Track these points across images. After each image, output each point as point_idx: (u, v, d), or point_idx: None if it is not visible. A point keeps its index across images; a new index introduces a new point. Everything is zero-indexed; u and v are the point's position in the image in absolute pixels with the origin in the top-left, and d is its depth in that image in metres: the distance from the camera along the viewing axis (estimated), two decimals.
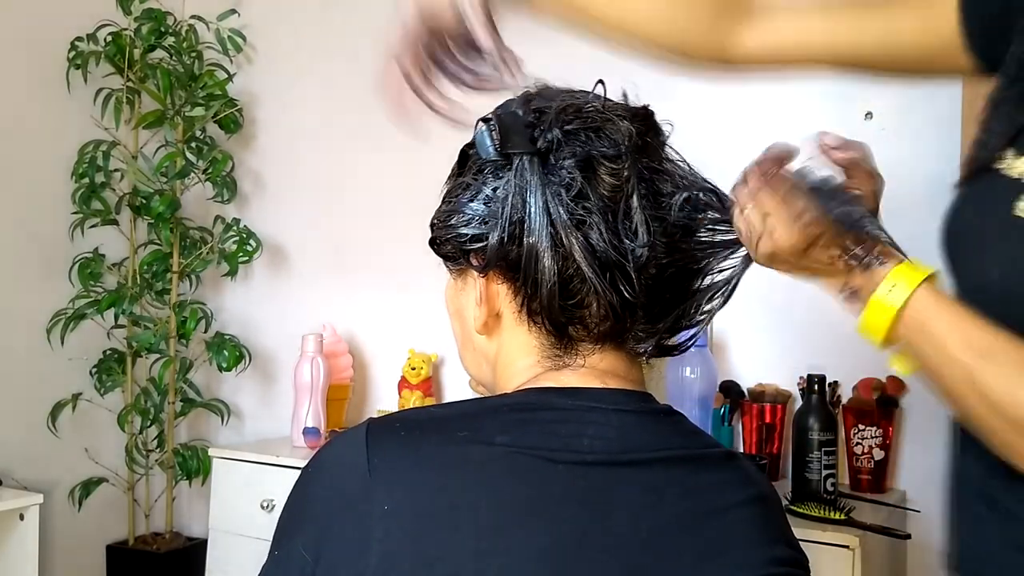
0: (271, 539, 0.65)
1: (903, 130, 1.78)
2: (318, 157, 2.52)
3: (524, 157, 0.65)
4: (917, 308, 0.66)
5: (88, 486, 2.39)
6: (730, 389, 1.85)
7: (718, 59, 0.86)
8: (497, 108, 0.69)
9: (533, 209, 0.64)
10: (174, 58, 2.44)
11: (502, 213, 0.66)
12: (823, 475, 1.60)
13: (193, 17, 2.52)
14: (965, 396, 0.65)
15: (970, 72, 0.79)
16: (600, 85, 0.71)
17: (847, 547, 1.40)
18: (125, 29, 2.40)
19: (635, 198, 0.65)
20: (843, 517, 1.49)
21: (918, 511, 1.67)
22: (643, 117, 0.70)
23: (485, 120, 0.68)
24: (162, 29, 2.42)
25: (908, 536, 1.51)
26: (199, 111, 2.38)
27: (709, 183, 0.71)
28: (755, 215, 0.68)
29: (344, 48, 2.48)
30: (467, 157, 0.71)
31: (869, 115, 1.81)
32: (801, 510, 1.50)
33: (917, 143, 1.76)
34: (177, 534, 2.54)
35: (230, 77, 2.51)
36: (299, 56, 2.55)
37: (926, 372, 0.68)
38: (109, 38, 2.39)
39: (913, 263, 0.68)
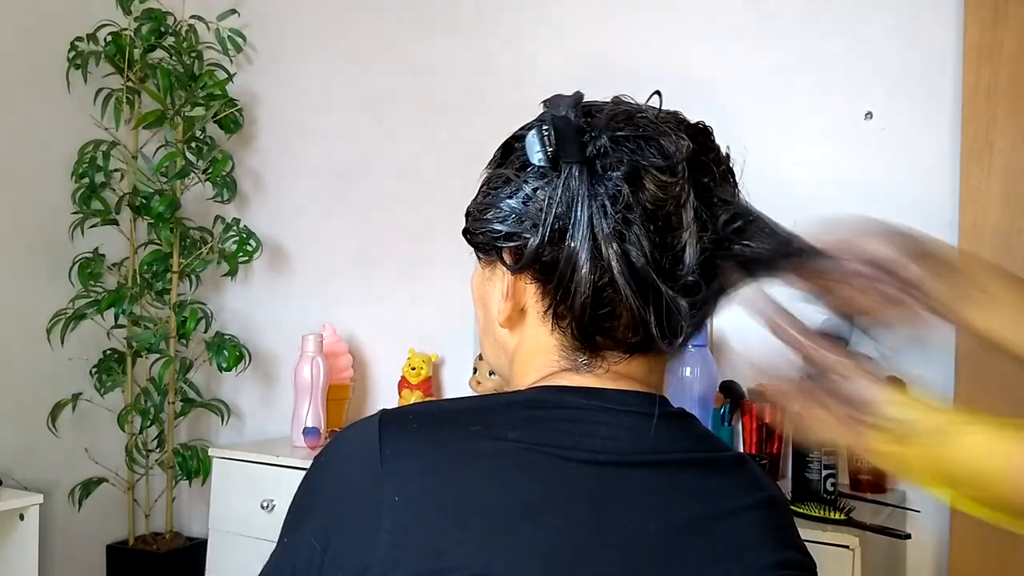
0: (280, 528, 0.65)
1: (903, 130, 1.78)
2: (318, 157, 2.52)
3: (573, 166, 0.63)
4: None
5: (88, 486, 2.39)
6: (730, 389, 1.85)
7: None
8: (547, 103, 0.66)
9: (577, 219, 0.63)
10: (174, 58, 2.44)
11: (544, 218, 0.64)
12: (823, 475, 1.60)
13: (193, 17, 2.52)
14: None
15: None
16: (656, 96, 0.69)
17: (847, 547, 1.40)
18: (125, 29, 2.40)
19: (685, 215, 0.63)
20: (843, 517, 1.49)
21: (918, 511, 1.67)
22: (699, 134, 0.67)
23: (539, 124, 0.65)
24: (162, 29, 2.42)
25: (908, 536, 1.51)
26: (199, 111, 2.38)
27: (759, 215, 0.67)
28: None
29: (344, 48, 2.48)
30: (512, 150, 0.69)
31: (869, 115, 1.81)
32: (801, 510, 1.50)
33: (917, 143, 1.76)
34: (177, 534, 2.54)
35: (230, 77, 2.51)
36: (299, 56, 2.56)
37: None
38: (109, 38, 2.39)
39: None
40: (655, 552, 0.61)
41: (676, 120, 0.67)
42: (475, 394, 1.96)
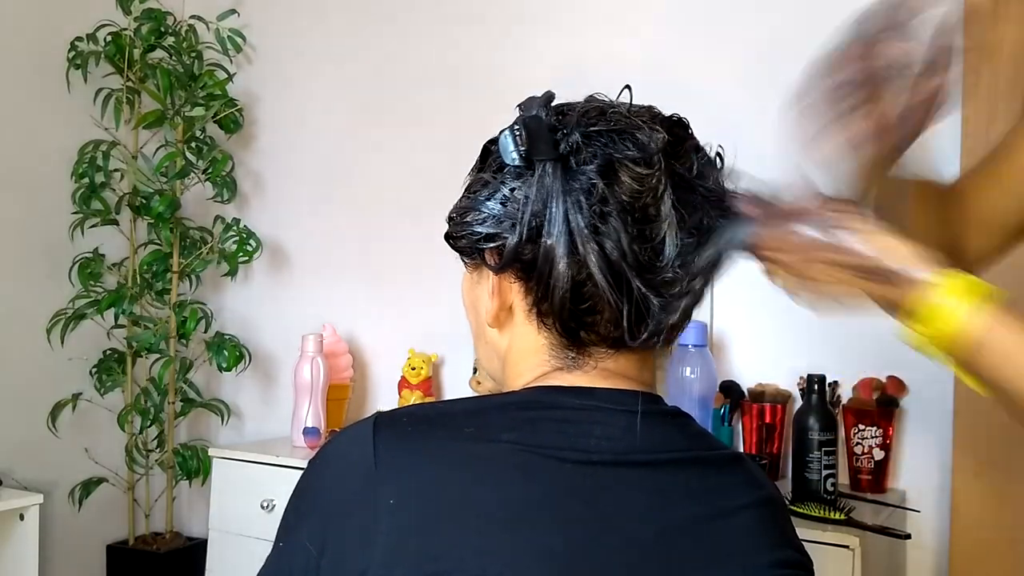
0: (276, 531, 0.65)
1: None
2: (318, 157, 2.52)
3: (547, 163, 0.64)
4: (987, 316, 0.61)
5: (88, 486, 2.39)
6: (730, 389, 1.85)
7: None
8: (521, 106, 0.68)
9: (553, 215, 0.64)
10: (174, 58, 2.44)
11: (521, 217, 0.65)
12: (823, 475, 1.60)
13: (193, 17, 2.52)
14: None
15: None
16: (627, 90, 0.70)
17: (847, 547, 1.40)
18: (125, 29, 2.40)
19: (663, 207, 0.64)
20: (843, 517, 1.49)
21: (918, 511, 1.67)
22: (674, 126, 0.68)
23: (512, 125, 0.67)
24: (162, 29, 2.42)
25: (908, 536, 1.51)
26: (199, 111, 2.38)
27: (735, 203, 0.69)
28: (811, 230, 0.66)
29: (344, 48, 2.48)
30: (488, 153, 0.70)
31: None
32: (801, 510, 1.50)
33: (917, 143, 1.76)
34: (177, 534, 2.54)
35: (230, 77, 2.51)
36: (299, 56, 2.55)
37: (1005, 384, 0.62)
38: (109, 38, 2.39)
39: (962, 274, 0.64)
40: (653, 552, 0.61)
41: (651, 113, 0.68)
42: (475, 394, 1.96)
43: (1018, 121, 0.93)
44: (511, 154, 0.65)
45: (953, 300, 0.62)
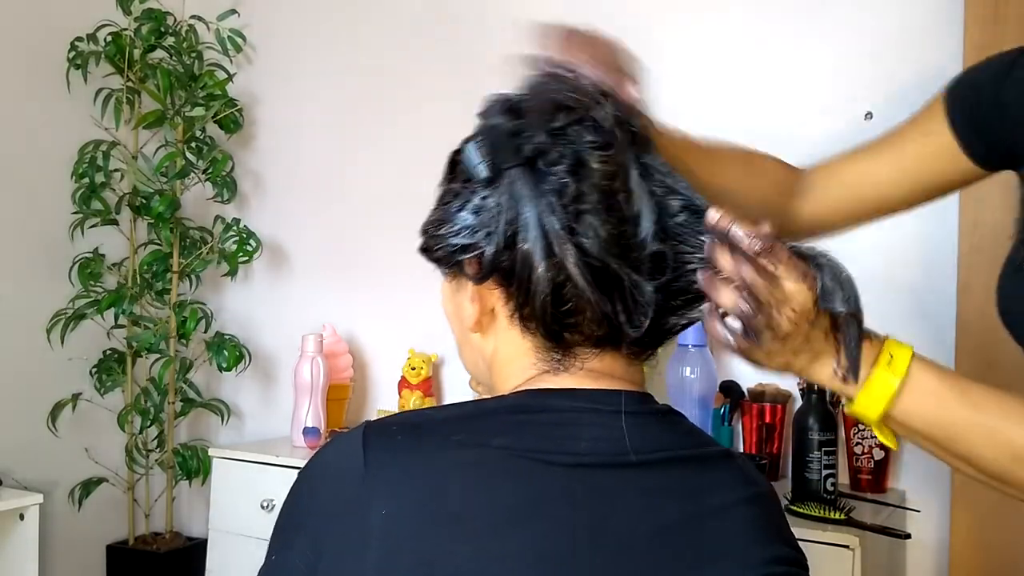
0: (268, 542, 0.65)
1: None
2: (318, 157, 2.52)
3: (514, 169, 0.64)
4: (919, 379, 0.67)
5: (88, 486, 2.39)
6: (730, 389, 1.85)
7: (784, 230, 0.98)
8: (479, 116, 0.67)
9: (526, 220, 0.63)
10: (174, 58, 2.44)
11: (495, 226, 0.64)
12: (823, 475, 1.60)
13: (193, 17, 2.52)
14: (987, 457, 0.67)
15: (982, 175, 0.87)
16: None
17: (847, 547, 1.40)
18: (125, 29, 2.40)
19: (631, 181, 0.64)
20: (843, 517, 1.49)
21: (918, 511, 1.67)
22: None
23: (471, 138, 0.66)
24: (162, 29, 2.42)
25: (908, 536, 1.51)
26: (199, 111, 2.38)
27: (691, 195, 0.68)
28: (759, 282, 0.62)
29: (344, 48, 2.48)
30: (455, 164, 0.70)
31: (869, 115, 1.80)
32: (801, 510, 1.51)
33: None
34: (177, 534, 2.54)
35: (230, 77, 2.51)
36: (299, 56, 2.55)
37: (934, 440, 0.68)
38: (109, 38, 2.39)
39: (892, 337, 0.68)
40: (647, 553, 0.61)
41: (595, 87, 0.68)
42: (474, 395, 1.96)
43: (930, 104, 0.96)
44: (478, 167, 0.65)
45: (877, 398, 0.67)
